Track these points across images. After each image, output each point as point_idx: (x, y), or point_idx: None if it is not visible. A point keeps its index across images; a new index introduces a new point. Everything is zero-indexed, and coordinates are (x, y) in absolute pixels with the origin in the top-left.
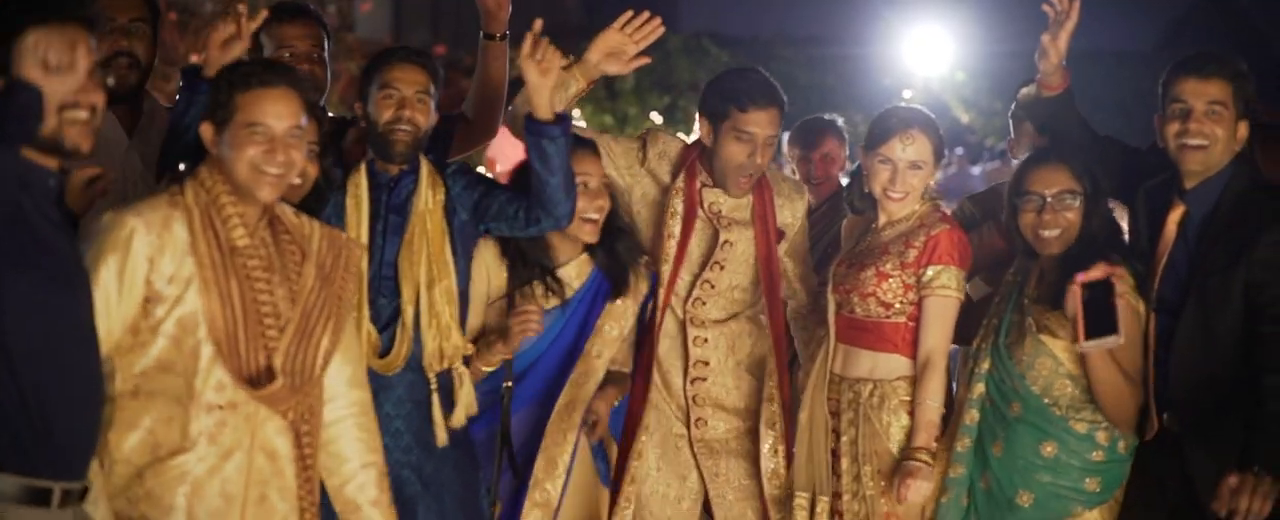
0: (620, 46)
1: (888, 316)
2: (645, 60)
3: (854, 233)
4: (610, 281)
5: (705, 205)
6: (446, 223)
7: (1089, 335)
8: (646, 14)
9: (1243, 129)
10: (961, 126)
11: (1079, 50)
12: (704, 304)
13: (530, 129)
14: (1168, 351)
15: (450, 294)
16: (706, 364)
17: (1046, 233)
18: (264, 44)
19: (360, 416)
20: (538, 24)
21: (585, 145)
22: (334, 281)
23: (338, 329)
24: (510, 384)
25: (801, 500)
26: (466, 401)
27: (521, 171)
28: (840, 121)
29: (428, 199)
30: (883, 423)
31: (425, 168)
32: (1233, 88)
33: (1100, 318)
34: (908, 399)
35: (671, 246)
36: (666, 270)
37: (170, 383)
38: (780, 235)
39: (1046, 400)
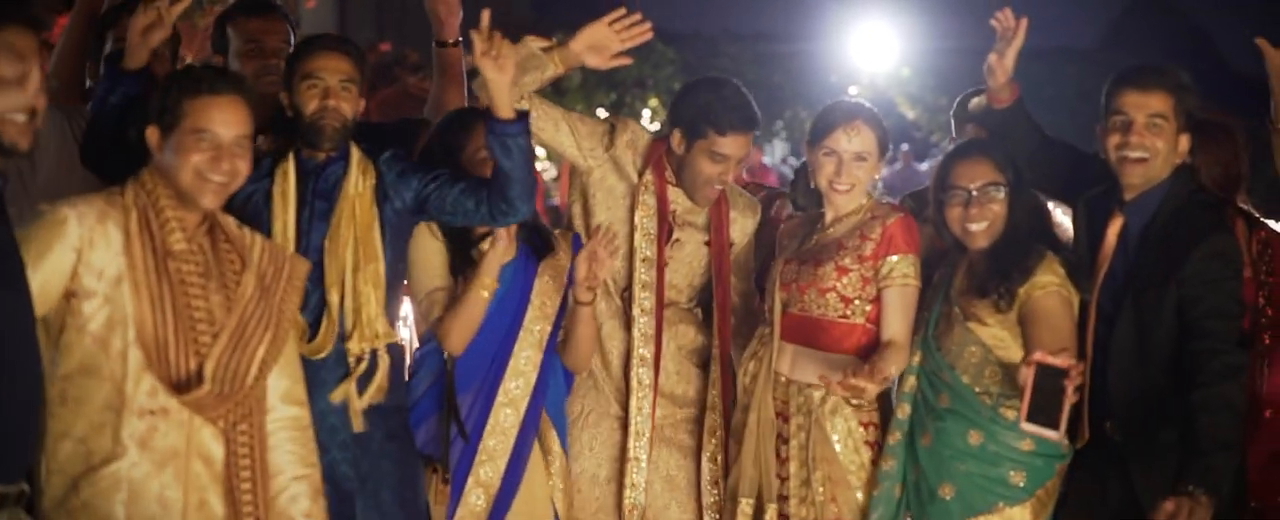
0: (605, 41)
1: (846, 314)
2: (626, 61)
3: (796, 233)
4: (537, 243)
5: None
6: (377, 209)
7: (1031, 418)
8: (639, 15)
9: (1183, 141)
10: (907, 123)
11: (1021, 47)
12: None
13: (491, 128)
14: (1106, 360)
15: (377, 278)
16: (644, 349)
17: (974, 226)
18: (230, 38)
19: (294, 430)
20: (486, 17)
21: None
22: (274, 294)
23: (276, 341)
24: (453, 355)
25: (745, 506)
26: (379, 384)
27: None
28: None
29: (357, 183)
30: (833, 429)
31: (356, 154)
32: (1174, 100)
33: (1047, 404)
34: (859, 404)
35: (640, 240)
36: (629, 263)
37: (97, 388)
38: (728, 247)
39: (976, 389)
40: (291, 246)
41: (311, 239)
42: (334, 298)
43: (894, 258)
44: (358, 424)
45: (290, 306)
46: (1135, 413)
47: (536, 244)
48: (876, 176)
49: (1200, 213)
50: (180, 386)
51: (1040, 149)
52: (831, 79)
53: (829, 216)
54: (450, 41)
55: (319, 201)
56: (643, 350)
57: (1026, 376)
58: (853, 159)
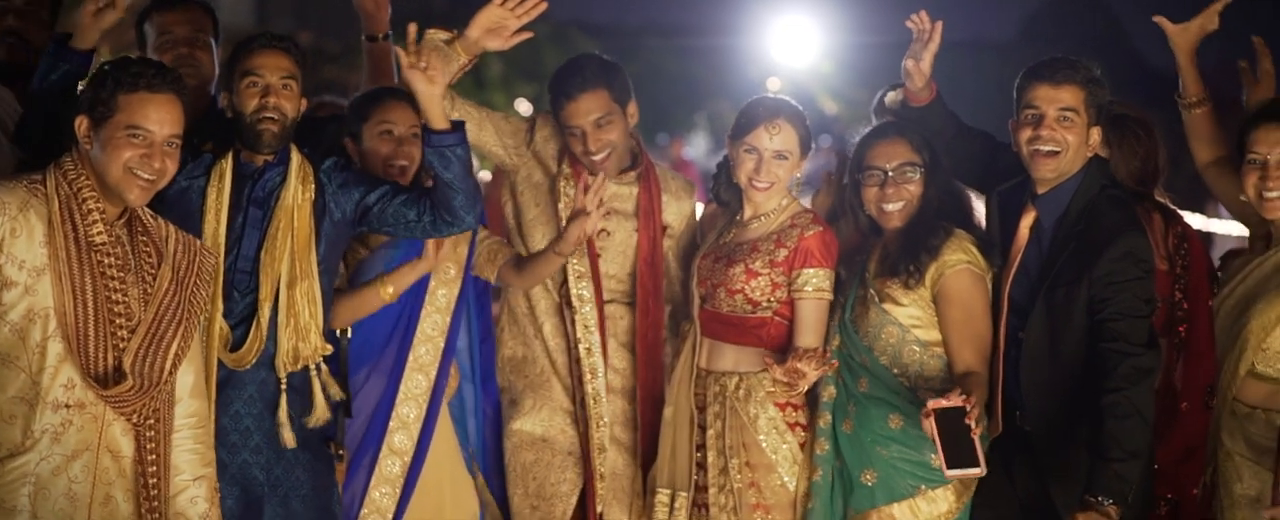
0: (501, 21)
1: (753, 313)
2: (528, 35)
3: (716, 224)
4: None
5: None
6: (315, 221)
7: (951, 465)
8: None
9: (1095, 135)
10: (828, 117)
11: (939, 46)
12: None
13: (428, 140)
14: (1018, 352)
15: (312, 295)
16: (589, 338)
17: (889, 206)
18: (146, 33)
19: (197, 429)
20: (412, 31)
21: (396, 94)
22: (186, 286)
23: (187, 334)
24: (347, 333)
25: (663, 496)
26: (321, 404)
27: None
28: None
29: (296, 193)
30: (750, 415)
31: (295, 160)
32: (1085, 94)
33: (960, 446)
34: (774, 389)
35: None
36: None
37: (12, 379)
38: (663, 230)
39: (894, 370)
40: (221, 252)
41: (243, 247)
42: (265, 311)
43: (809, 270)
44: (289, 440)
45: (199, 298)
46: (1045, 406)
47: None
48: (797, 174)
49: (1113, 209)
50: (101, 381)
51: (957, 138)
52: (752, 73)
53: (747, 213)
54: (380, 35)
55: (253, 209)
56: (588, 340)
57: (930, 429)
58: (773, 156)
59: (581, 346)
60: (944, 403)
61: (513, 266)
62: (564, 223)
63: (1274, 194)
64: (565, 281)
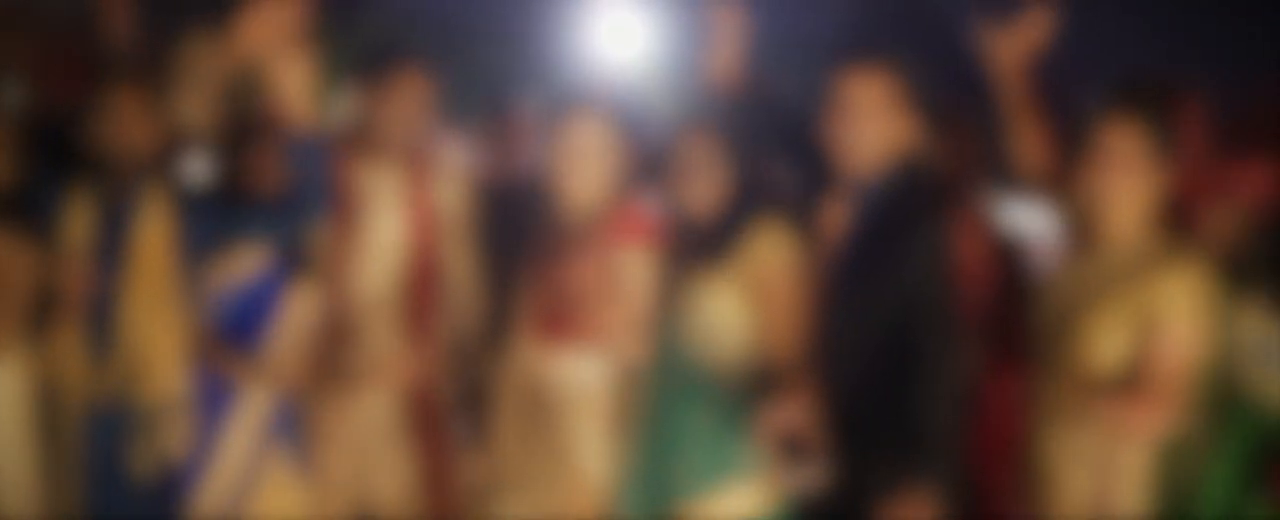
0: None
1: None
2: None
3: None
4: None
5: None
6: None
7: (790, 481)
8: None
9: (905, 126)
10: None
11: (765, 36)
12: None
13: None
14: (825, 342)
15: (170, 327)
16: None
17: (693, 195)
18: None
19: None
20: None
21: None
22: None
23: None
24: None
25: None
26: (159, 455)
27: None
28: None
29: (155, 218)
30: (567, 413)
31: (157, 181)
32: (894, 84)
33: (796, 460)
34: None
35: None
36: None
37: None
38: None
39: (707, 363)
40: (79, 275)
41: (102, 271)
42: (123, 339)
43: (628, 253)
44: (140, 473)
45: None
46: (852, 399)
47: None
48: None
49: (921, 204)
50: None
51: (772, 128)
52: (574, 69)
53: (564, 205)
54: None
55: (115, 231)
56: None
57: (774, 455)
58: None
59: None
60: (770, 426)
61: None
62: None
63: None
64: None
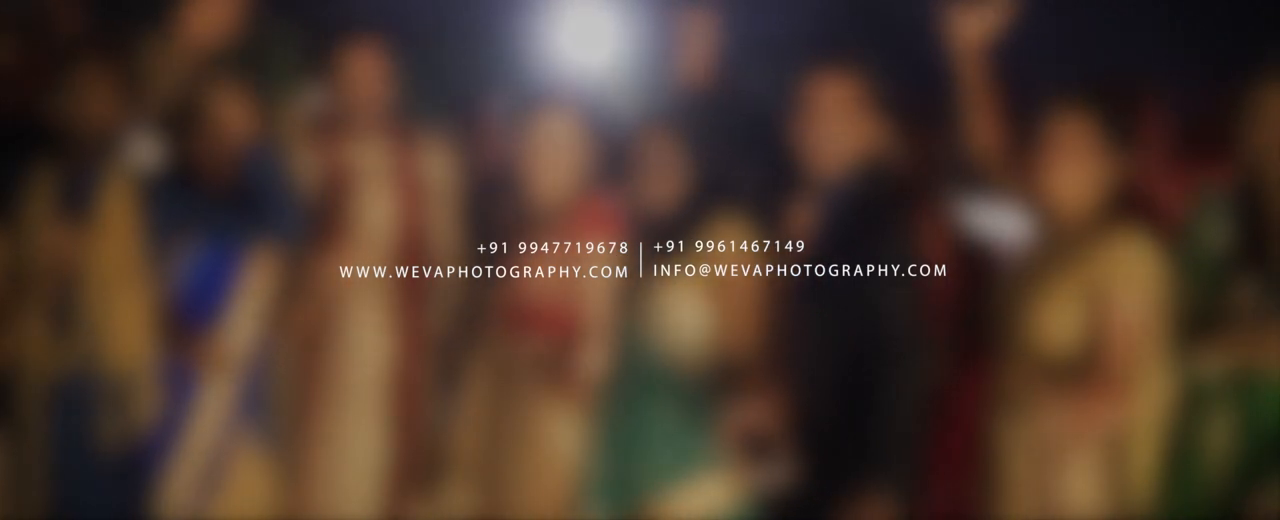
0: None
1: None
2: None
3: None
4: None
5: None
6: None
7: (759, 482)
8: None
9: (870, 128)
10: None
11: (732, 38)
12: None
13: None
14: (789, 344)
15: (139, 303)
16: None
17: (655, 190)
18: None
19: None
20: None
21: None
22: None
23: None
24: None
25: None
26: (123, 430)
27: None
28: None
29: (117, 195)
30: (537, 405)
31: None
32: (860, 85)
33: (762, 462)
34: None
35: None
36: None
37: None
38: None
39: (669, 358)
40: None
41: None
42: (88, 315)
43: (592, 246)
44: (107, 443)
45: None
46: (816, 399)
47: None
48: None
49: (887, 205)
50: None
51: (737, 127)
52: (541, 69)
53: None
54: None
55: (77, 207)
56: None
57: (738, 453)
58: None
59: None
60: (737, 429)
61: None
62: None
63: None
64: None
